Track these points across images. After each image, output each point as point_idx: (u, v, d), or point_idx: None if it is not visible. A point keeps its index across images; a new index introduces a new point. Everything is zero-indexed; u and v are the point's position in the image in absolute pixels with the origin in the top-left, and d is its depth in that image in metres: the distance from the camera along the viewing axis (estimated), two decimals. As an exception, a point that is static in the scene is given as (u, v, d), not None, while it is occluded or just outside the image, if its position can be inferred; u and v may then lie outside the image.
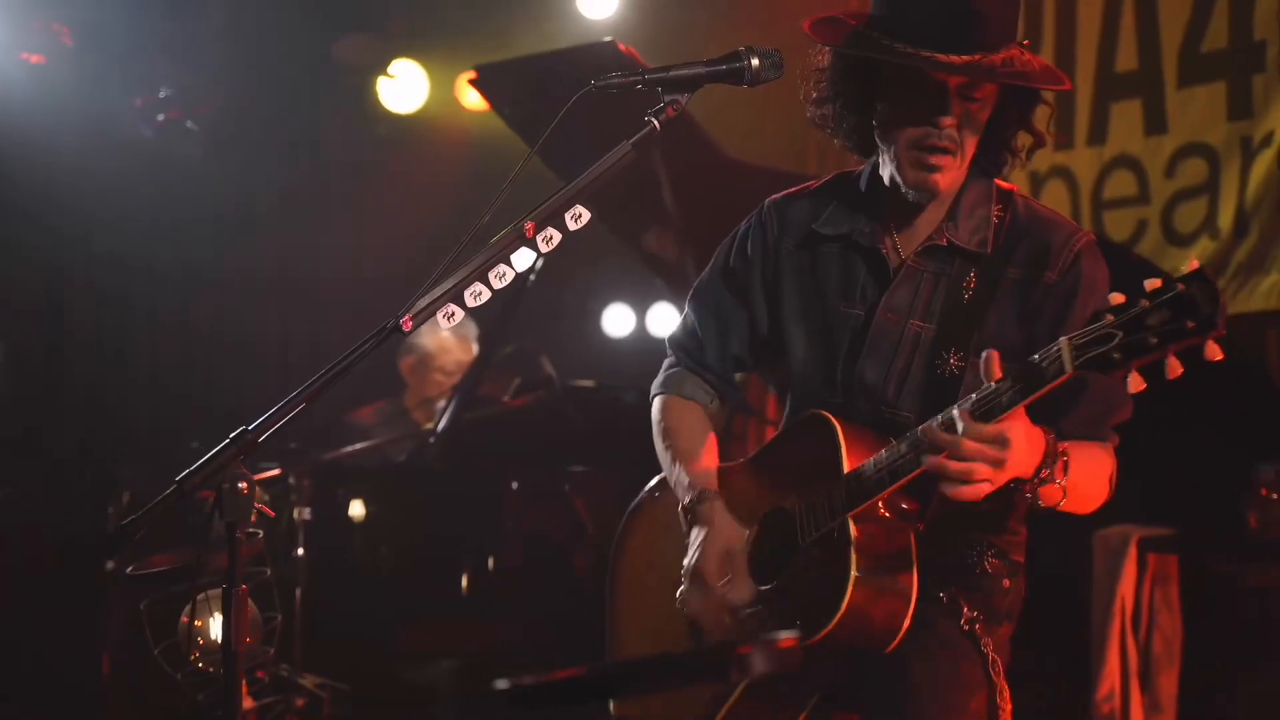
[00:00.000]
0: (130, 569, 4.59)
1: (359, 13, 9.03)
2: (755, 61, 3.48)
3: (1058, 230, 3.58)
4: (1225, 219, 6.77)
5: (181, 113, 8.43)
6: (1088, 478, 3.40)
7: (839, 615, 3.38)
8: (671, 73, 3.48)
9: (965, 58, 3.44)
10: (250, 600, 4.54)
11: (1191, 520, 5.34)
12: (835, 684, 3.57)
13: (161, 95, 8.30)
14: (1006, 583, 3.65)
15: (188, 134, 8.39)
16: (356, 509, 6.23)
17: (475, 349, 7.62)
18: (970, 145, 3.57)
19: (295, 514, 5.89)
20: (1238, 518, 5.23)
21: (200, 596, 4.51)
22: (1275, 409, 5.84)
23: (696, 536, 3.78)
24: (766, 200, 3.97)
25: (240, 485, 3.30)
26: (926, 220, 3.68)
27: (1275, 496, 5.15)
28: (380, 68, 8.98)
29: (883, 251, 3.70)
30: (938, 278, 3.62)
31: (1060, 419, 3.36)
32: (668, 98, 3.46)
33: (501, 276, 3.37)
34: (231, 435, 3.29)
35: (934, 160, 3.54)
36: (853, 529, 3.42)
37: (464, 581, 6.00)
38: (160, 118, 8.22)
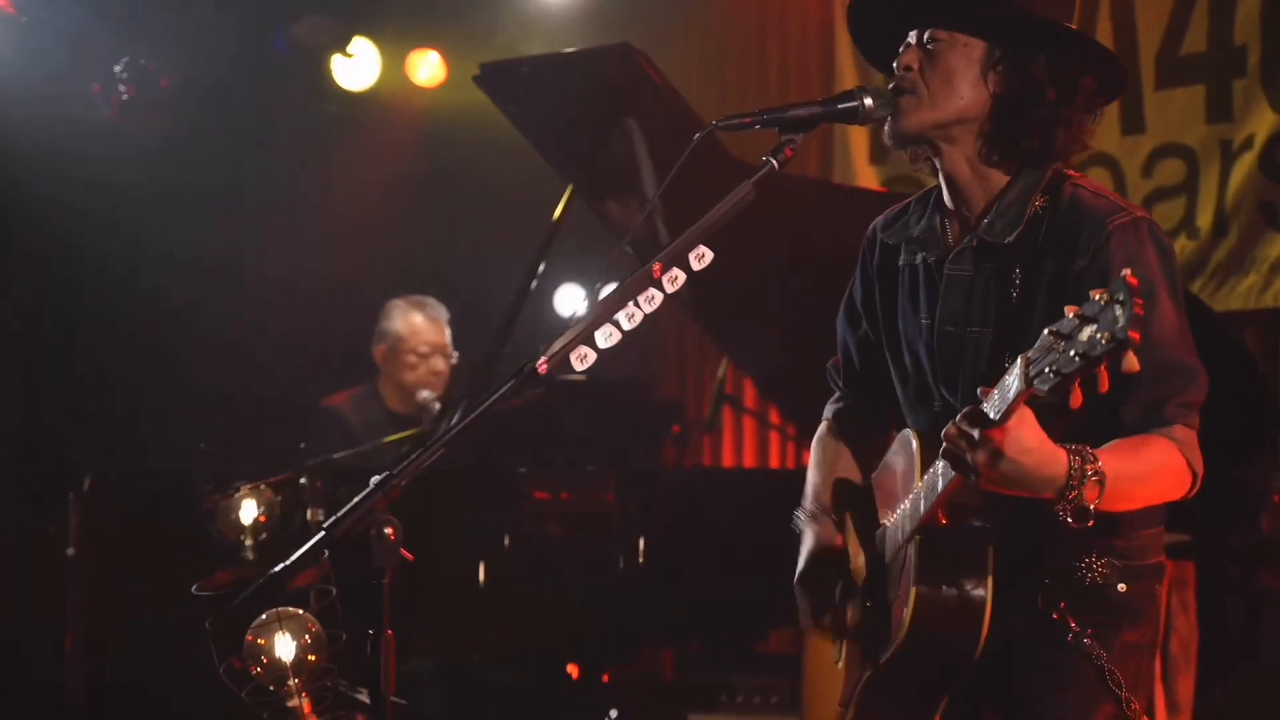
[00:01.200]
0: (195, 587, 4.55)
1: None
2: (869, 101, 3.53)
3: (1093, 213, 3.39)
4: (1204, 219, 6.95)
5: (137, 90, 8.26)
6: (1131, 488, 3.26)
7: (905, 631, 3.41)
8: (789, 113, 3.52)
9: None
10: (317, 619, 4.61)
11: (1207, 526, 5.45)
12: (956, 689, 3.54)
13: (118, 71, 8.11)
14: (1122, 587, 3.47)
15: (143, 113, 8.23)
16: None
17: (447, 331, 7.61)
18: (945, 94, 3.50)
19: (309, 515, 5.84)
20: (1250, 523, 5.36)
21: (263, 616, 4.49)
22: (1254, 406, 5.99)
23: (800, 550, 3.89)
24: (873, 223, 3.96)
25: (387, 531, 3.29)
26: (972, 221, 3.60)
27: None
28: (337, 47, 8.85)
29: (929, 260, 3.67)
30: (984, 279, 3.54)
31: (1115, 408, 3.29)
32: (784, 137, 3.50)
33: (631, 318, 3.37)
34: (375, 480, 3.27)
35: (899, 100, 3.52)
36: (916, 544, 3.43)
37: (478, 582, 5.98)
38: (120, 96, 8.05)
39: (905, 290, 3.75)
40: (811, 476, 4.00)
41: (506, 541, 6.14)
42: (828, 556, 3.82)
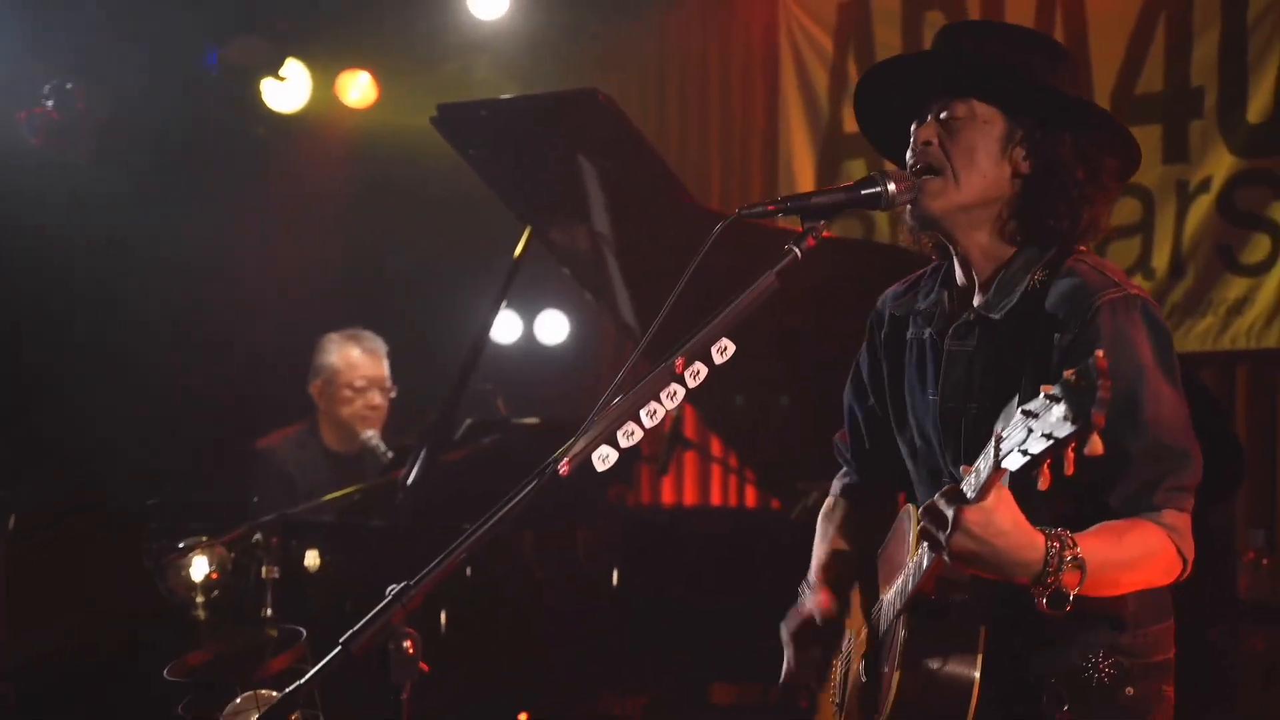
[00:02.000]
0: (166, 671, 4.37)
1: (243, 12, 8.65)
2: (892, 187, 3.43)
3: (1085, 288, 3.30)
4: (1160, 259, 6.94)
5: (60, 115, 7.99)
6: (1115, 575, 3.17)
7: (889, 707, 3.35)
8: (812, 200, 3.40)
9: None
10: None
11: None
12: None
13: (45, 94, 7.85)
14: (1130, 690, 3.37)
15: (69, 137, 7.97)
16: (311, 559, 6.02)
17: (385, 364, 7.44)
18: (968, 172, 3.42)
19: (264, 573, 5.65)
20: (1227, 582, 5.32)
21: (237, 700, 4.33)
22: (1220, 448, 5.96)
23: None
24: (884, 294, 3.89)
25: (406, 645, 3.15)
26: (977, 298, 3.54)
27: (1265, 562, 5.26)
28: (269, 69, 8.63)
29: (934, 334, 3.61)
30: (983, 354, 3.47)
31: (1105, 491, 3.24)
32: (807, 225, 3.38)
33: (653, 414, 3.24)
34: (393, 592, 3.13)
35: (919, 181, 3.43)
36: (904, 621, 3.37)
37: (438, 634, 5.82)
38: (49, 115, 7.79)
39: (913, 365, 3.68)
40: (817, 550, 3.95)
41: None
42: (822, 624, 3.76)
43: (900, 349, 3.72)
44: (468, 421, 6.44)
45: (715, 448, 8.31)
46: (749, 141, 8.75)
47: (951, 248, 3.56)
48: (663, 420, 3.25)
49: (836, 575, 3.85)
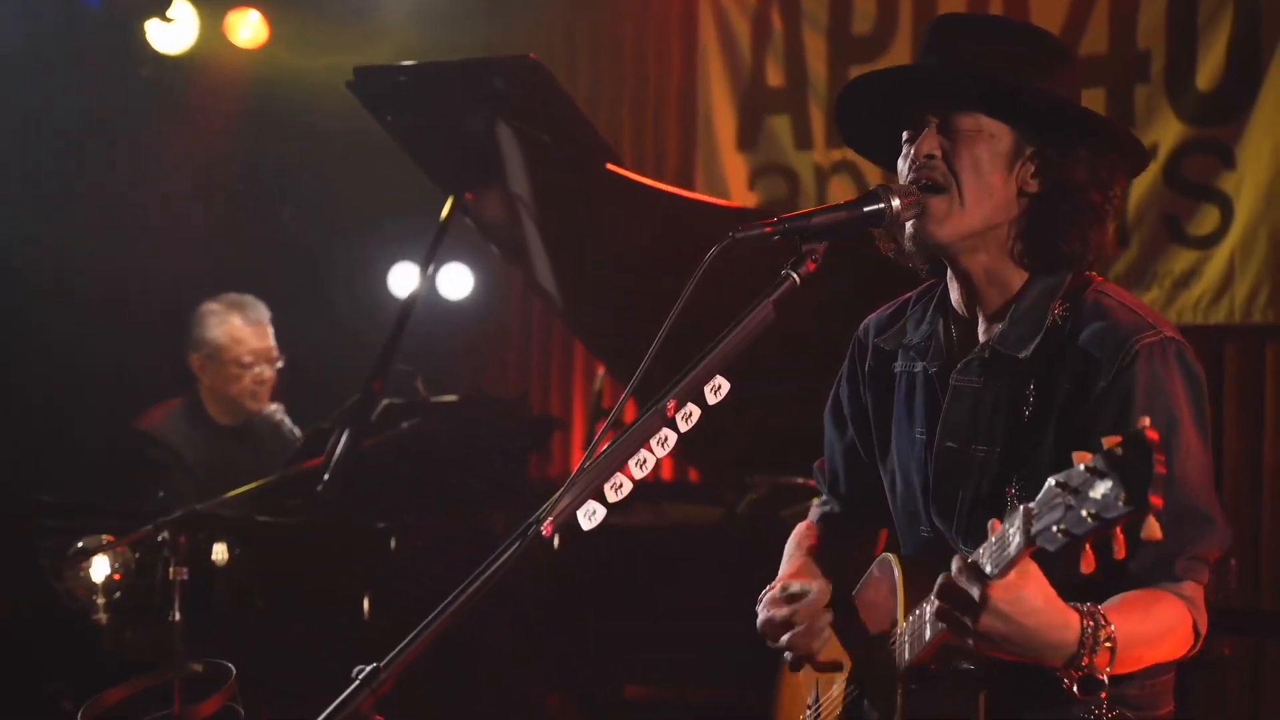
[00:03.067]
0: (82, 712, 4.01)
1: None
2: (896, 203, 3.15)
3: (1118, 329, 3.07)
4: (1103, 229, 6.68)
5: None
6: (1140, 653, 2.96)
7: None
8: (812, 220, 3.10)
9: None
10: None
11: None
12: None
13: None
14: None
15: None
16: (219, 553, 5.63)
17: (270, 333, 7.03)
18: (975, 192, 3.15)
19: (171, 573, 5.27)
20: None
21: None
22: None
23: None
24: (869, 317, 3.63)
25: (377, 732, 2.84)
26: (983, 328, 3.29)
27: (1233, 562, 5.07)
28: (155, 10, 8.12)
29: (930, 370, 3.36)
30: (994, 394, 3.22)
31: (1126, 561, 2.98)
32: (806, 247, 3.09)
33: (643, 464, 2.97)
34: (362, 674, 2.81)
35: (928, 201, 3.15)
36: (901, 691, 3.14)
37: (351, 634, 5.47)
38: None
39: (901, 400, 3.44)
40: (790, 558, 3.67)
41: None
42: (813, 606, 3.42)
43: (887, 382, 3.49)
44: (384, 402, 6.07)
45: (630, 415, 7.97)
46: (664, 97, 8.37)
47: (950, 269, 3.31)
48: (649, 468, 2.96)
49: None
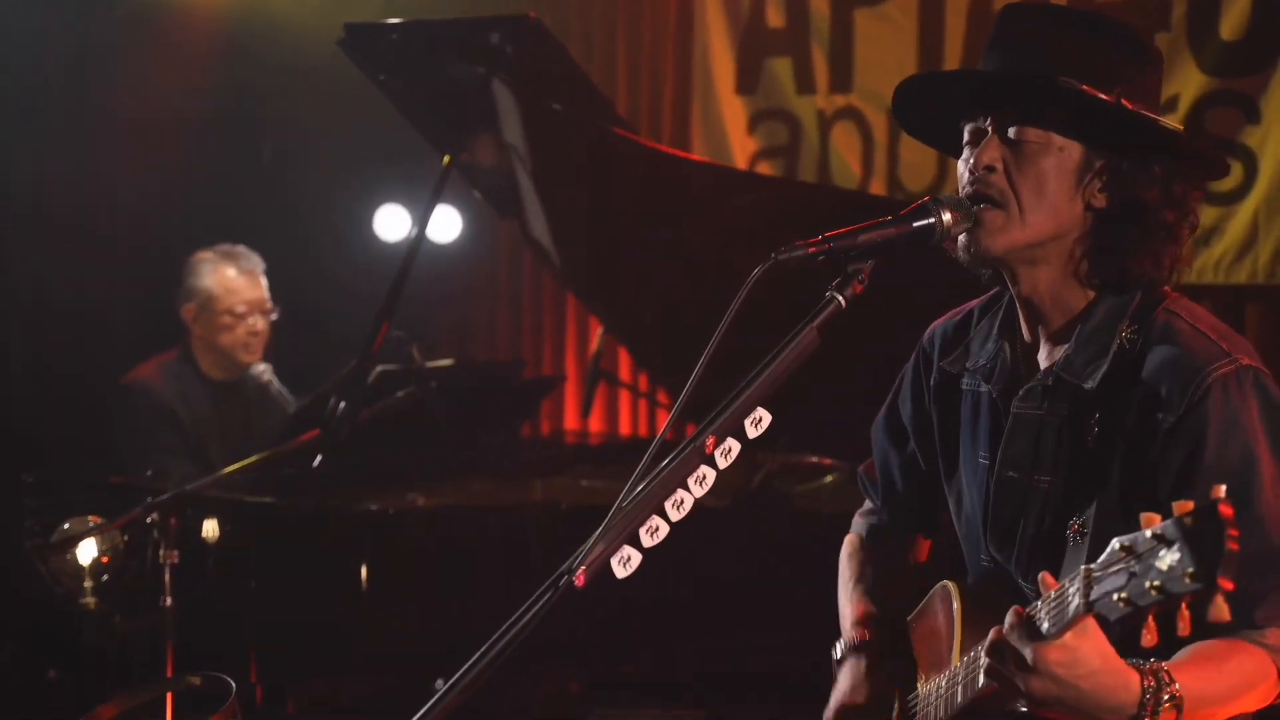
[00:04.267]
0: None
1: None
2: (947, 217, 2.95)
3: (1190, 358, 2.84)
4: (1122, 187, 6.46)
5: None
6: (1210, 712, 2.76)
7: None
8: (859, 238, 2.89)
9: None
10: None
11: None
12: None
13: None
14: None
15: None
16: (209, 530, 5.43)
17: (264, 283, 6.82)
18: (1036, 209, 2.93)
19: (161, 556, 5.07)
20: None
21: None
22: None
23: (836, 686, 3.44)
24: (934, 324, 3.43)
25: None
26: (1045, 351, 3.10)
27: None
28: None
29: (992, 395, 3.16)
30: (1056, 423, 3.02)
31: None
32: (853, 268, 2.88)
33: (680, 505, 2.79)
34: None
35: (977, 212, 2.94)
36: None
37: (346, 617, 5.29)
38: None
39: (968, 420, 3.25)
40: (846, 600, 3.53)
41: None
42: (867, 704, 3.35)
43: (954, 399, 3.30)
44: (378, 368, 5.86)
45: (644, 383, 7.77)
46: (660, 39, 8.05)
47: (1011, 286, 3.09)
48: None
49: (872, 636, 3.41)
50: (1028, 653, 2.55)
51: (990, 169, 2.94)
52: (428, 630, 5.10)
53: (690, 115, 7.82)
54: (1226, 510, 2.16)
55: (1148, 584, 2.24)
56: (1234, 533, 2.14)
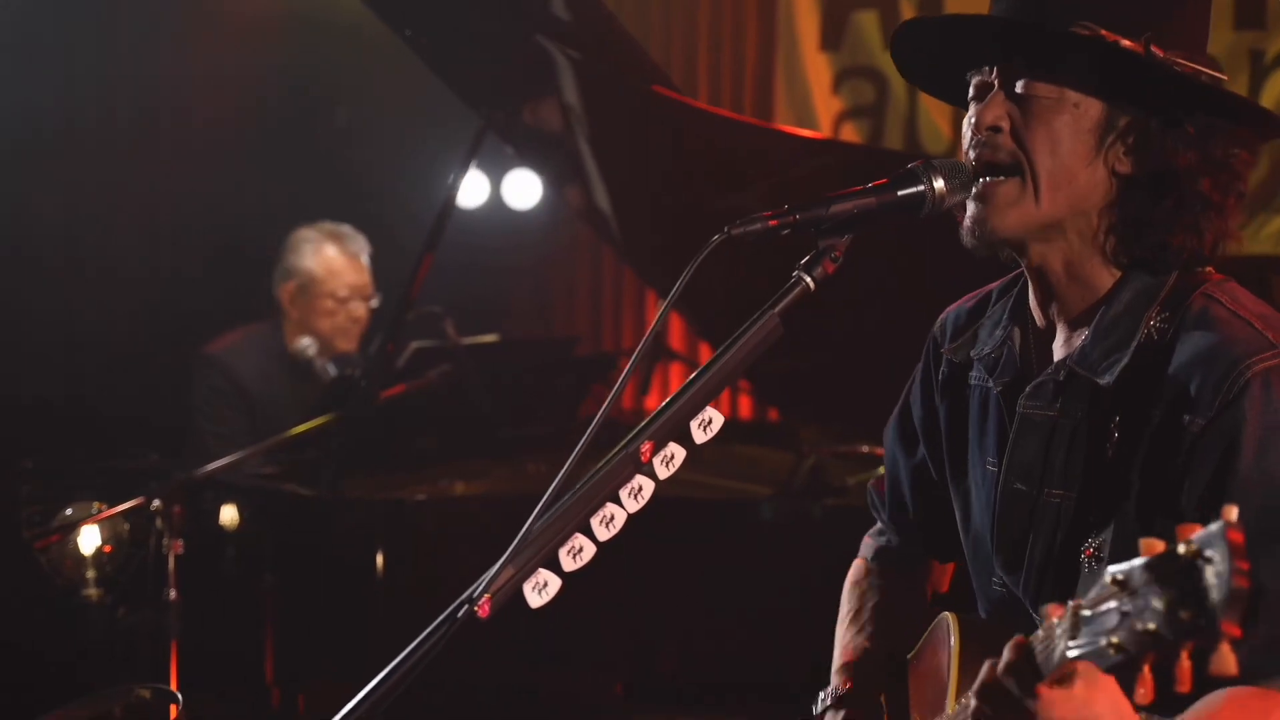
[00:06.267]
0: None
1: None
2: (940, 184, 2.50)
3: (1226, 348, 2.41)
4: (1228, 143, 5.94)
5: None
6: None
7: None
8: (831, 209, 2.46)
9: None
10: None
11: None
12: None
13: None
14: None
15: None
16: (228, 516, 5.14)
17: (368, 268, 6.47)
18: (1051, 177, 2.50)
19: (165, 545, 4.78)
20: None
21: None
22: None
23: None
24: (948, 309, 2.99)
25: None
26: (1061, 339, 2.65)
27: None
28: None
29: (996, 392, 2.73)
30: (1070, 426, 2.58)
31: None
32: (824, 244, 2.47)
33: (610, 522, 2.40)
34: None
35: (985, 189, 2.52)
36: None
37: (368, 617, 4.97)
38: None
39: (975, 420, 2.82)
40: (841, 638, 3.10)
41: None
42: None
43: (963, 395, 2.88)
44: (413, 345, 5.52)
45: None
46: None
47: (1020, 258, 2.63)
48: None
49: (866, 681, 2.99)
50: (1020, 694, 2.14)
51: (995, 129, 2.53)
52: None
53: (774, 75, 7.41)
54: (1236, 536, 1.75)
55: (1141, 626, 1.84)
56: (1243, 565, 1.74)
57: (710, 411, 2.43)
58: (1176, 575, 1.80)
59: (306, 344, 6.40)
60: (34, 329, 6.80)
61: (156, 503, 4.87)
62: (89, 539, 4.86)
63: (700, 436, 2.42)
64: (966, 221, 2.56)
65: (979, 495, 2.79)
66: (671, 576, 5.03)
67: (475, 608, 2.34)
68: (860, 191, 2.47)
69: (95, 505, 4.91)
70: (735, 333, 2.44)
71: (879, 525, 3.21)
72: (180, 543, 4.86)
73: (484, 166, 7.98)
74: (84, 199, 7.17)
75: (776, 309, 2.44)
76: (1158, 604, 1.82)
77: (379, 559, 4.93)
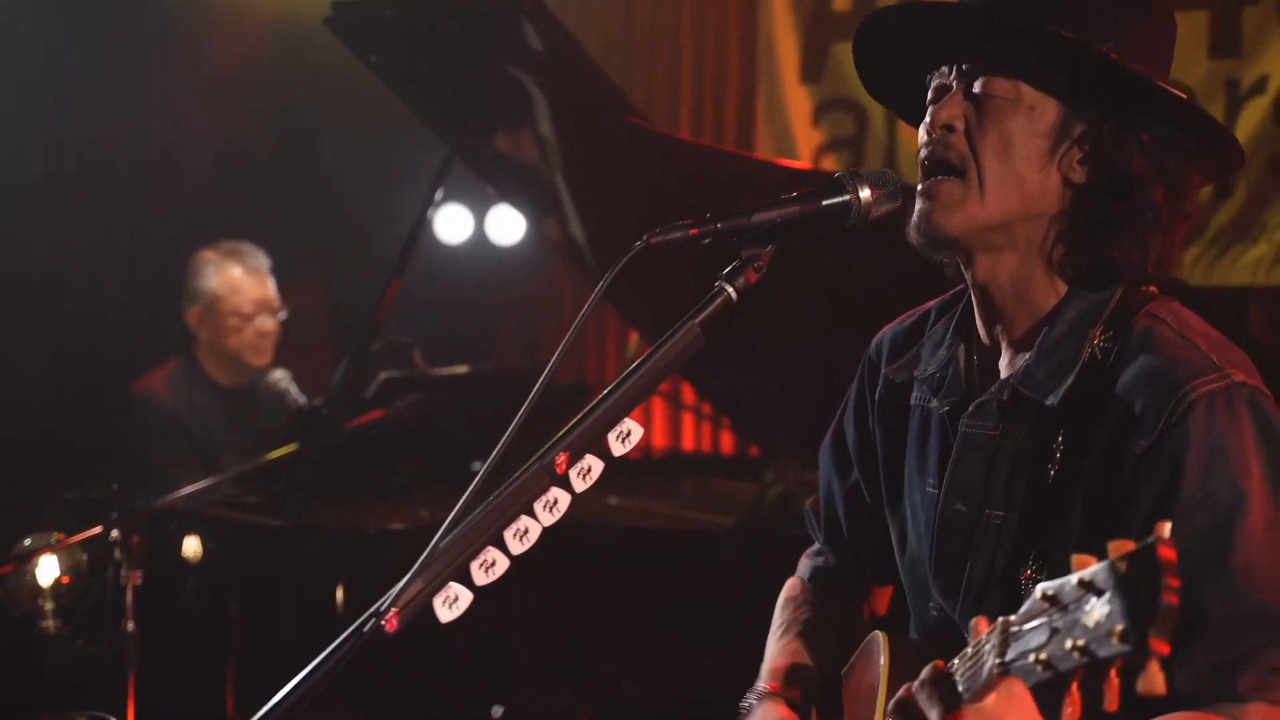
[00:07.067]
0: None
1: None
2: (866, 194, 2.45)
3: (1171, 370, 2.38)
4: (1204, 174, 5.88)
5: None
6: None
7: None
8: (753, 217, 2.43)
9: None
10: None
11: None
12: None
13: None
14: None
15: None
16: (191, 548, 5.09)
17: (271, 282, 6.45)
18: (1000, 179, 2.47)
19: (123, 577, 4.73)
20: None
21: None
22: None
23: None
24: (884, 329, 2.96)
25: None
26: (1007, 359, 2.61)
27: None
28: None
29: (942, 412, 2.68)
30: (1012, 447, 2.54)
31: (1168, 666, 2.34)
32: (747, 253, 2.43)
33: (523, 535, 2.34)
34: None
35: (931, 186, 2.51)
36: None
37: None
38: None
39: (914, 441, 2.79)
40: (771, 648, 3.03)
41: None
42: None
43: (901, 416, 2.84)
44: (382, 376, 5.47)
45: (687, 394, 7.33)
46: (724, 23, 7.66)
47: (968, 274, 2.61)
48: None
49: (798, 691, 2.92)
50: (935, 715, 2.10)
51: (949, 128, 2.51)
52: (420, 664, 4.72)
53: (755, 108, 7.37)
54: (1168, 553, 1.71)
55: (1069, 643, 1.80)
56: (1174, 583, 1.70)
57: (629, 423, 2.39)
58: (1107, 592, 1.76)
59: (279, 376, 6.40)
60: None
61: (115, 533, 4.82)
62: (47, 570, 4.78)
63: (618, 449, 2.39)
64: (914, 218, 2.54)
65: (917, 518, 2.75)
66: (640, 606, 4.98)
67: (383, 622, 2.30)
68: (784, 200, 2.45)
69: (54, 536, 4.88)
70: (653, 346, 2.39)
71: (817, 546, 3.15)
72: (139, 573, 4.80)
73: (468, 202, 7.97)
74: (72, 244, 7.18)
75: (698, 319, 2.40)
76: (1087, 621, 1.78)
77: (339, 591, 4.86)
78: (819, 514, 3.12)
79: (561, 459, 2.33)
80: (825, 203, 2.44)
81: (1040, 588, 1.88)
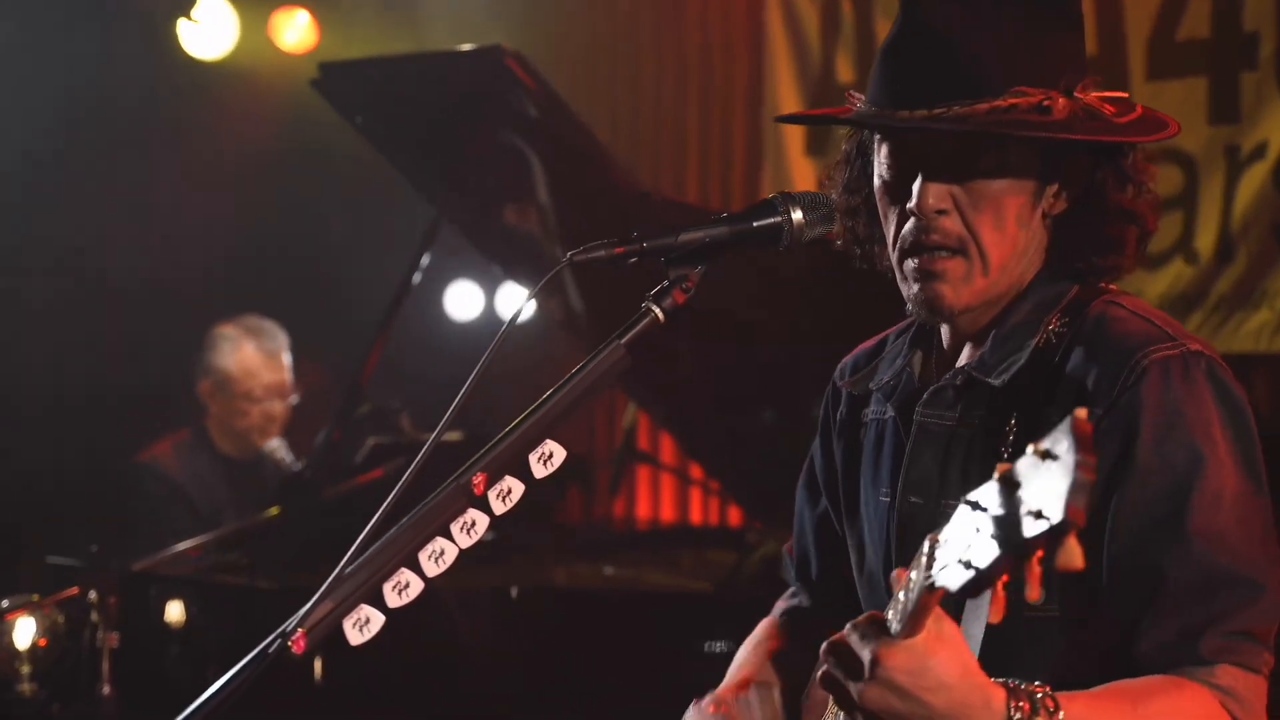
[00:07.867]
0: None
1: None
2: (798, 216, 2.44)
3: (1124, 341, 2.38)
4: (1205, 241, 5.81)
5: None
6: None
7: None
8: (680, 238, 2.41)
9: (927, 111, 2.41)
10: None
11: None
12: None
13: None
14: None
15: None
16: (174, 613, 5.02)
17: (286, 364, 6.40)
18: (998, 250, 2.46)
19: (99, 639, 4.69)
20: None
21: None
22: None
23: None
24: (846, 358, 2.95)
25: None
26: (968, 354, 2.59)
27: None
28: (180, 10, 7.51)
29: (892, 416, 2.67)
30: (967, 434, 2.51)
31: (1130, 633, 2.30)
32: (674, 274, 2.40)
33: (439, 557, 2.28)
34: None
35: (932, 265, 2.47)
36: None
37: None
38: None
39: (869, 453, 2.78)
40: (730, 671, 2.97)
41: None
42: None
43: (855, 432, 2.84)
44: (370, 442, 5.42)
45: (695, 471, 7.24)
46: (731, 96, 7.65)
47: None
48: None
49: (758, 698, 2.87)
50: (866, 654, 2.08)
51: (941, 212, 2.47)
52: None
53: (760, 180, 7.33)
54: (1084, 429, 1.69)
55: (990, 536, 1.80)
56: (1090, 459, 1.67)
57: (551, 445, 2.34)
58: (1029, 480, 1.74)
59: (275, 445, 6.36)
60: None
61: (92, 594, 4.80)
62: (23, 632, 4.75)
63: (540, 471, 2.34)
64: (918, 297, 2.51)
65: (872, 529, 2.71)
66: (627, 669, 4.90)
67: (289, 643, 2.26)
68: (713, 221, 2.43)
69: (33, 597, 4.84)
70: (577, 366, 2.35)
71: (791, 589, 3.10)
72: (116, 636, 4.77)
73: (478, 279, 7.96)
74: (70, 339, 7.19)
75: (624, 339, 2.36)
76: (1007, 511, 1.76)
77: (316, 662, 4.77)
78: (792, 555, 3.07)
79: (479, 479, 2.29)
80: (756, 224, 2.43)
81: (965, 499, 1.86)
